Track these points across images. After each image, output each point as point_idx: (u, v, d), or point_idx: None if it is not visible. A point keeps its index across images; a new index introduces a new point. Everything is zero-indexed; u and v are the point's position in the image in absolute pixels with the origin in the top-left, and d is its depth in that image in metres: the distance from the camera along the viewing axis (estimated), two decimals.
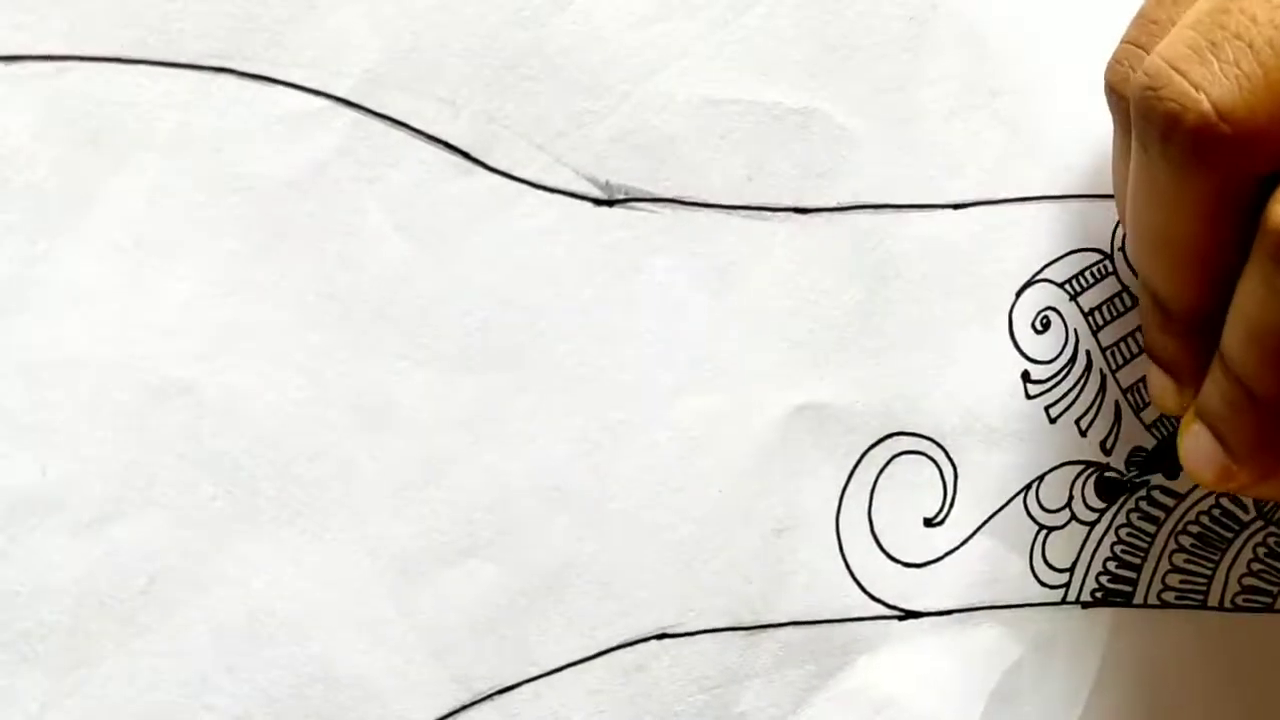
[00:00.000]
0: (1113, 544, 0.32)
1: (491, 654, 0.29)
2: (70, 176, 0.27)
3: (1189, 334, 0.28)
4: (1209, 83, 0.23)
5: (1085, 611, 0.32)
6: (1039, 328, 0.32)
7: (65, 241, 0.27)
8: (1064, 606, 0.32)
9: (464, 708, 0.29)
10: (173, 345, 0.28)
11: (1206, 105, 0.23)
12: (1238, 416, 0.26)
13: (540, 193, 0.29)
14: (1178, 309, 0.28)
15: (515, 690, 0.29)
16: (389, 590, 0.29)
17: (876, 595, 0.31)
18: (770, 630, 0.31)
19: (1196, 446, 0.28)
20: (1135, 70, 0.26)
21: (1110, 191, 0.31)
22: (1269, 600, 0.33)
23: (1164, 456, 0.32)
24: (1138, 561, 0.33)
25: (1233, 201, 0.24)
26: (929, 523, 0.32)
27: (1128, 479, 0.32)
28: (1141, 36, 0.27)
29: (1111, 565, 0.32)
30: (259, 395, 0.28)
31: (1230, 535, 0.33)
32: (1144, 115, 0.24)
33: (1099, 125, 0.30)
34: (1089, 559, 0.32)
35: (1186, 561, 0.33)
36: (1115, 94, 0.27)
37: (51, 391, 0.27)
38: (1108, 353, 0.32)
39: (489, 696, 0.29)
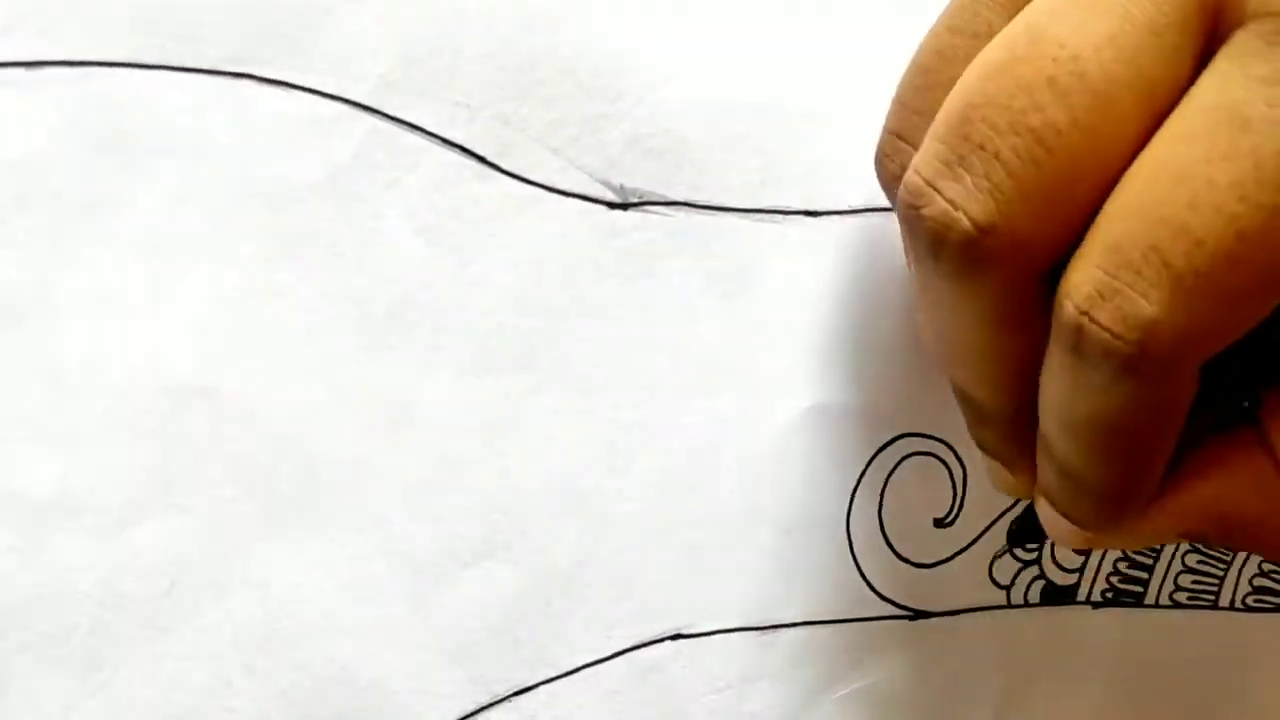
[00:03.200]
0: None
1: (508, 655, 0.29)
2: (90, 181, 0.27)
3: (1007, 427, 0.27)
4: (965, 199, 0.23)
5: (1096, 612, 0.33)
6: None
7: (85, 246, 0.27)
8: (1075, 607, 0.32)
9: (481, 709, 0.29)
10: (193, 349, 0.28)
11: (966, 223, 0.23)
12: (1072, 498, 0.26)
13: (555, 196, 0.29)
14: (989, 409, 0.27)
15: (532, 691, 0.30)
16: (406, 592, 0.29)
17: (887, 595, 0.31)
18: (782, 630, 0.31)
19: (1048, 518, 0.27)
20: (895, 163, 0.26)
21: None
22: None
23: (1033, 524, 0.32)
24: (1149, 562, 0.33)
25: (1015, 305, 0.24)
26: (939, 523, 0.32)
27: (1006, 550, 0.32)
28: (902, 127, 0.26)
29: (1122, 566, 0.33)
30: (278, 398, 0.28)
31: None
32: (911, 233, 0.24)
33: None
34: (1100, 559, 0.32)
35: (1198, 562, 0.33)
36: (886, 188, 0.27)
37: (73, 395, 0.27)
38: None
39: (506, 698, 0.29)
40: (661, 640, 0.30)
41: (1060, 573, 0.32)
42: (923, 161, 0.24)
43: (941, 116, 0.24)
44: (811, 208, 0.31)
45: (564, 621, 0.30)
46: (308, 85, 0.28)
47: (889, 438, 0.31)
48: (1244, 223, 0.21)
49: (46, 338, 0.27)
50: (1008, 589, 0.32)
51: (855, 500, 0.31)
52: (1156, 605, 0.33)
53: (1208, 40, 0.23)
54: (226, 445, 0.28)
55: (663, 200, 0.30)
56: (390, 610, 0.29)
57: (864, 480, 0.31)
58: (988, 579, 0.32)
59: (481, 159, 0.29)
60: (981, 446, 0.29)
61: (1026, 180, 0.22)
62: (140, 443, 0.27)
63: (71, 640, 0.27)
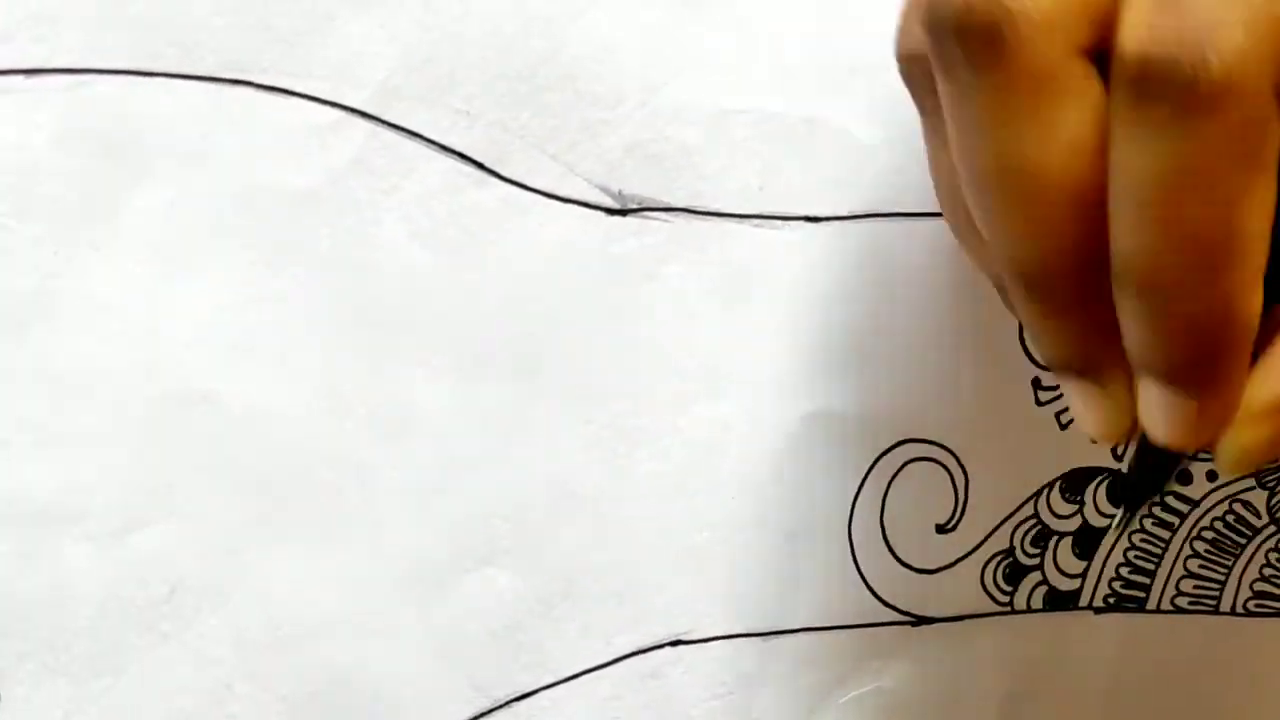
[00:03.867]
0: (1126, 550, 0.32)
1: (508, 661, 0.29)
2: (90, 188, 0.27)
3: (1081, 305, 0.23)
4: None
5: (1099, 617, 0.33)
6: None
7: (85, 253, 0.27)
8: (1078, 612, 0.32)
9: (482, 714, 0.29)
10: (193, 355, 0.28)
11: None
12: (1169, 339, 0.22)
13: (554, 202, 0.29)
14: (1057, 271, 0.23)
15: (532, 697, 0.30)
16: (407, 597, 0.29)
17: (889, 601, 0.31)
18: (783, 636, 0.31)
19: (1151, 407, 0.23)
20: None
21: None
22: None
23: (1149, 476, 0.30)
24: (1151, 567, 0.33)
25: (1056, 85, 0.22)
26: (941, 529, 0.32)
27: (1121, 523, 0.30)
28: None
29: (1125, 571, 0.32)
30: (278, 404, 0.28)
31: (1243, 541, 0.33)
32: (934, 36, 0.22)
33: None
34: (1102, 565, 0.32)
35: (1200, 567, 0.33)
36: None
37: (74, 401, 0.27)
38: None
39: (506, 703, 0.29)
40: (661, 646, 0.30)
41: (1063, 578, 0.32)
42: None
43: None
44: (811, 213, 0.31)
45: (564, 627, 0.30)
46: (307, 92, 0.28)
47: (890, 443, 0.31)
48: None
49: (47, 344, 0.27)
50: (1011, 594, 0.32)
51: (857, 506, 0.31)
52: (1158, 610, 0.33)
53: None
54: (227, 451, 0.28)
55: (662, 206, 0.30)
56: (391, 615, 0.29)
57: (865, 486, 0.31)
58: (991, 584, 0.32)
59: (480, 165, 0.29)
60: (1057, 360, 0.24)
61: None
62: (141, 449, 0.27)
63: (73, 646, 0.27)
